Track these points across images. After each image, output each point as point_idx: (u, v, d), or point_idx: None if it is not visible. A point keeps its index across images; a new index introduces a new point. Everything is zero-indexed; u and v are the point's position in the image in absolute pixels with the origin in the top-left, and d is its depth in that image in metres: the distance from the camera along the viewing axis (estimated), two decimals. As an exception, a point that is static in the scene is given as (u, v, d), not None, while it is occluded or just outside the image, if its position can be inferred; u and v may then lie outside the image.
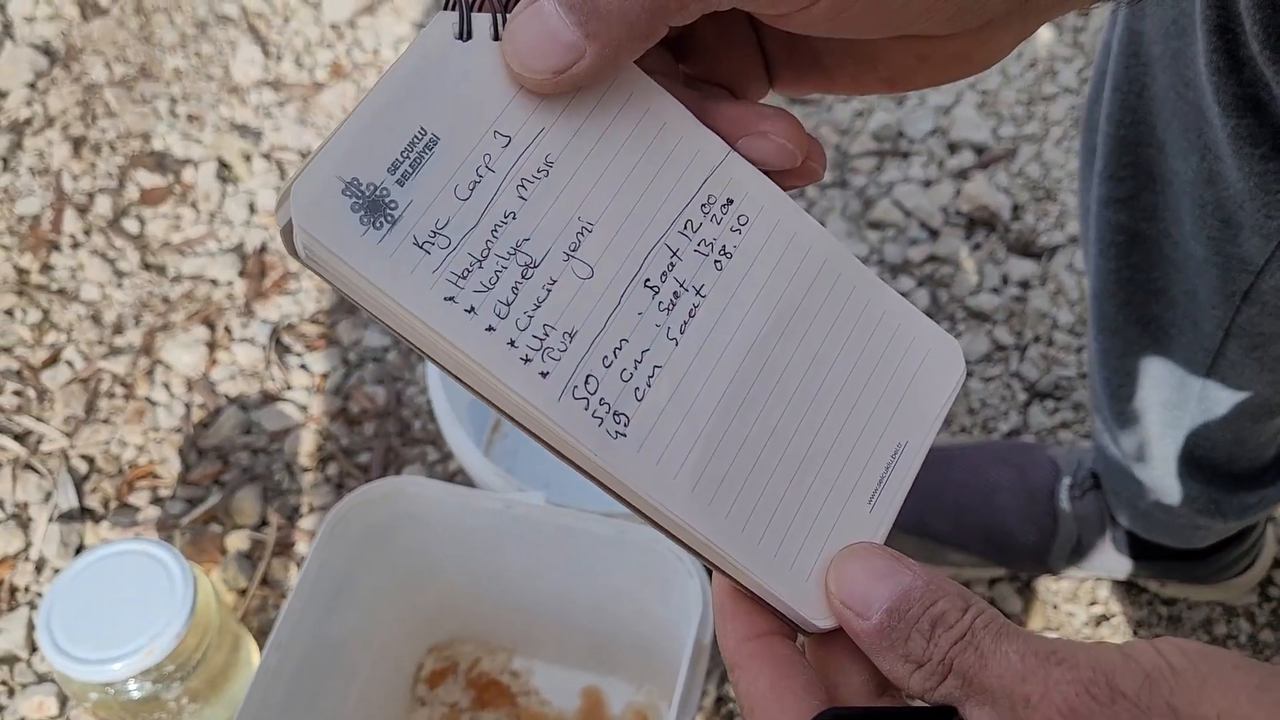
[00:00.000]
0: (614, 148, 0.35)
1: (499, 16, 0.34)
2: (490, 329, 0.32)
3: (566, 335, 0.33)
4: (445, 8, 0.34)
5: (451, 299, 0.32)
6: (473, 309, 0.32)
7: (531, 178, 0.34)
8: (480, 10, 0.34)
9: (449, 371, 0.33)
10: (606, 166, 0.35)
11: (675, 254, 0.35)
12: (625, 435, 0.33)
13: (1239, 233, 0.64)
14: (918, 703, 0.33)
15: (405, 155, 0.32)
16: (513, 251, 0.33)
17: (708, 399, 0.35)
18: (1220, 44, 0.57)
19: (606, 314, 0.34)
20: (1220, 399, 0.74)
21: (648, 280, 0.35)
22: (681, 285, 0.35)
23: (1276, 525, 1.02)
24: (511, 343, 0.32)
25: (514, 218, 0.33)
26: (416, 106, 0.33)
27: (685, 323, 0.35)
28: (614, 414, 0.33)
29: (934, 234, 1.21)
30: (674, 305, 0.35)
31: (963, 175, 1.25)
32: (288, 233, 0.32)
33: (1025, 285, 1.17)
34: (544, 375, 0.33)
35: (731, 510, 0.34)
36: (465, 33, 0.34)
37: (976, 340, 1.14)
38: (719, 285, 0.36)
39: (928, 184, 1.24)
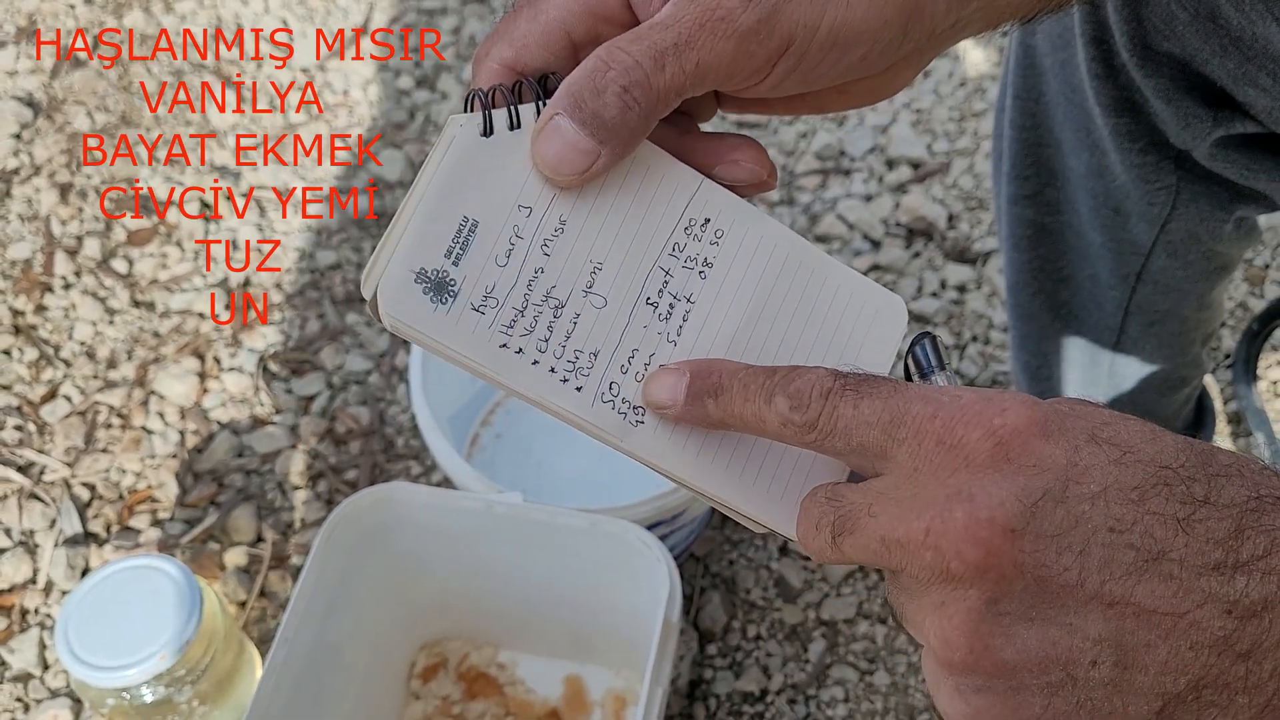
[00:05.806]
0: (611, 197, 0.44)
1: (512, 109, 0.43)
2: (535, 363, 0.42)
3: (591, 355, 0.43)
4: (466, 108, 0.43)
5: (504, 345, 0.42)
6: (521, 350, 0.42)
7: (551, 236, 0.43)
8: (495, 107, 0.43)
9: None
10: (607, 214, 0.44)
11: (668, 273, 0.45)
12: (643, 423, 0.43)
13: (1128, 220, 0.72)
14: None
15: (455, 241, 0.42)
16: (545, 298, 0.43)
17: None
18: (1098, 54, 0.65)
19: (620, 332, 0.44)
20: (1128, 374, 0.82)
21: (649, 298, 0.44)
22: (675, 297, 0.45)
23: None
24: (552, 369, 0.42)
25: (542, 272, 0.43)
26: (458, 201, 0.42)
27: (680, 326, 0.44)
28: (633, 408, 0.43)
29: (876, 245, 1.29)
30: (670, 314, 0.44)
31: (901, 189, 1.33)
32: (374, 304, 0.41)
33: (962, 289, 1.25)
34: (579, 390, 0.43)
35: (729, 465, 0.44)
36: (488, 129, 0.42)
37: (920, 340, 1.21)
38: (704, 291, 0.45)
39: (869, 198, 1.33)
